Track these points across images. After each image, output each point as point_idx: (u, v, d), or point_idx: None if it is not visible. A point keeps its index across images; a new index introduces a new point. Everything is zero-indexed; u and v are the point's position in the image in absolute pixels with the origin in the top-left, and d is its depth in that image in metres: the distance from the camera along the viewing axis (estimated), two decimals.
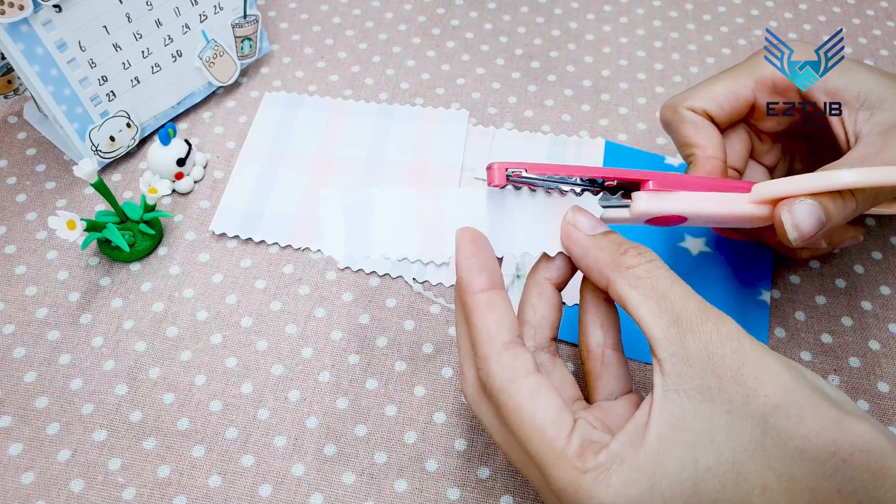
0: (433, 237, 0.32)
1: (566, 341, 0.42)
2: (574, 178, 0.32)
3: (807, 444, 0.25)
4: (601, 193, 0.33)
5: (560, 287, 0.33)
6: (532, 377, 0.28)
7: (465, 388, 0.31)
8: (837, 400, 0.26)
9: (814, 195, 0.33)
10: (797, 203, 0.33)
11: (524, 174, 0.31)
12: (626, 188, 0.33)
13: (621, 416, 0.30)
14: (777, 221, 0.34)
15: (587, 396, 0.33)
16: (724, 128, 0.40)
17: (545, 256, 0.33)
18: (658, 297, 0.28)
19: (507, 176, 0.31)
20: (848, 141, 0.37)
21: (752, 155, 0.42)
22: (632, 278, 0.29)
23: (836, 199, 0.34)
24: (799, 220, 0.33)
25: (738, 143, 0.41)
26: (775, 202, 0.34)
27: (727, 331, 0.27)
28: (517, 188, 0.32)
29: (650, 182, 0.33)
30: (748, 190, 0.35)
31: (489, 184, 0.31)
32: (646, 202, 0.33)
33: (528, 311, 0.33)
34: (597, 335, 0.33)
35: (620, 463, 0.26)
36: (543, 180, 0.32)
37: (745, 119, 0.41)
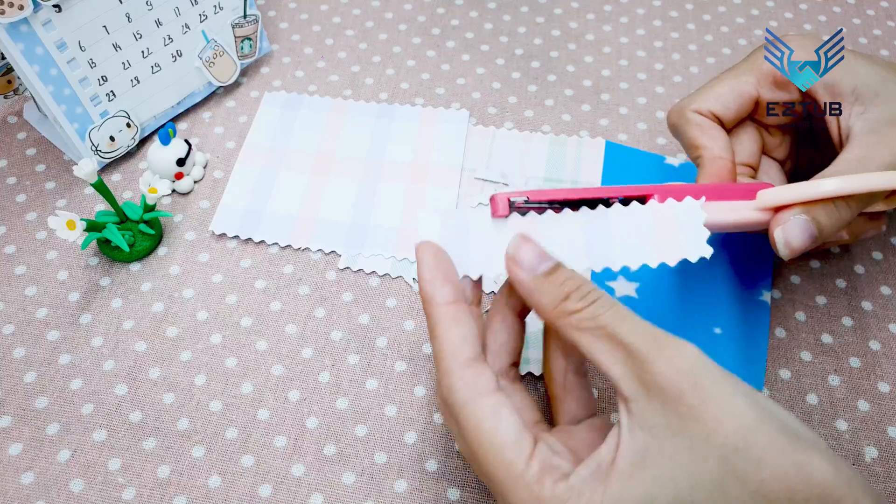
0: None
1: None
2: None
3: (765, 487, 0.24)
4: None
5: (522, 315, 0.33)
6: (493, 396, 0.28)
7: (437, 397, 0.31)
8: (802, 436, 0.26)
9: (807, 204, 0.34)
10: (790, 220, 0.34)
11: (527, 201, 0.31)
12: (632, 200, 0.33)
13: (584, 441, 0.30)
14: (771, 238, 0.35)
15: (551, 420, 0.33)
16: (732, 126, 0.40)
17: (508, 283, 0.33)
18: (607, 338, 0.27)
19: (510, 205, 0.31)
20: (841, 138, 0.37)
21: (764, 150, 0.42)
22: (577, 323, 0.28)
23: (829, 209, 0.34)
24: (790, 237, 0.34)
25: (749, 140, 0.41)
26: (779, 209, 0.35)
27: (684, 365, 0.26)
28: (539, 213, 0.32)
29: (655, 196, 0.32)
30: (754, 195, 0.35)
31: (493, 215, 0.32)
32: None
33: (490, 338, 0.33)
34: (559, 361, 0.33)
35: (578, 497, 0.26)
36: (549, 205, 0.32)
37: (751, 116, 0.41)
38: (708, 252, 0.30)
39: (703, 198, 0.32)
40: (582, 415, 0.32)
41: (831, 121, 0.38)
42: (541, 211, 0.32)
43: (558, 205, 0.32)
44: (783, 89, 0.39)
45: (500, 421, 0.28)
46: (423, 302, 0.31)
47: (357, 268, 0.45)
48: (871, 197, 0.35)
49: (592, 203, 0.32)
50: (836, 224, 0.34)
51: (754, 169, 0.41)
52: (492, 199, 0.32)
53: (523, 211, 0.32)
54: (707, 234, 0.31)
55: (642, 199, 0.32)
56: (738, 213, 0.35)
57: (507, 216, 0.32)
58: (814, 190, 0.34)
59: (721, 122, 0.39)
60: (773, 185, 0.37)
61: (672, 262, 0.31)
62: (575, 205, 0.32)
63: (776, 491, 0.24)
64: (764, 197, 0.35)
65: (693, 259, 0.31)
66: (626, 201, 0.33)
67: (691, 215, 0.31)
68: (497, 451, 0.27)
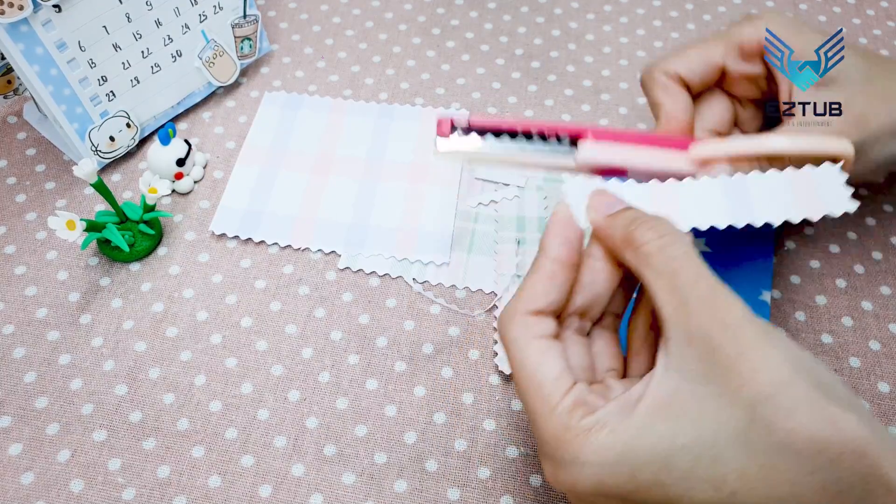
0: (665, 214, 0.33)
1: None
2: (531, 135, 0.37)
3: (792, 437, 0.24)
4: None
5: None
6: (545, 341, 0.30)
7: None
8: (841, 397, 0.26)
9: (739, 160, 0.36)
10: (716, 167, 0.36)
11: (468, 126, 0.36)
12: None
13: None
14: None
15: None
16: (699, 92, 0.41)
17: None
18: (668, 276, 0.28)
19: (451, 127, 0.35)
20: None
21: (736, 123, 0.43)
22: (642, 255, 0.29)
23: (762, 166, 0.35)
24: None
25: (719, 108, 0.42)
26: (710, 162, 0.36)
27: (732, 318, 0.26)
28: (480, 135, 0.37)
29: (590, 133, 0.36)
30: (686, 147, 0.37)
31: (437, 134, 0.36)
32: (590, 152, 0.36)
33: (582, 286, 0.33)
34: (643, 316, 0.33)
35: (601, 428, 0.27)
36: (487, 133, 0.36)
37: (722, 86, 0.42)
38: (851, 207, 0.32)
39: (842, 162, 0.34)
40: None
41: (782, 81, 0.39)
42: (482, 134, 0.37)
43: (495, 134, 0.36)
44: (749, 61, 0.40)
45: (545, 360, 0.29)
46: (539, 249, 0.32)
47: (357, 268, 0.45)
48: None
49: (528, 136, 0.37)
50: None
51: (722, 136, 0.42)
52: (438, 121, 0.35)
53: (466, 131, 0.36)
54: (849, 191, 0.32)
55: (576, 138, 0.36)
56: (668, 162, 0.37)
57: (448, 136, 0.36)
58: (760, 145, 0.35)
59: (688, 87, 0.41)
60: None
61: (815, 218, 0.32)
62: (513, 135, 0.37)
63: (804, 441, 0.24)
64: (698, 149, 0.37)
65: (836, 213, 0.32)
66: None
67: (832, 176, 0.33)
68: (537, 385, 0.29)
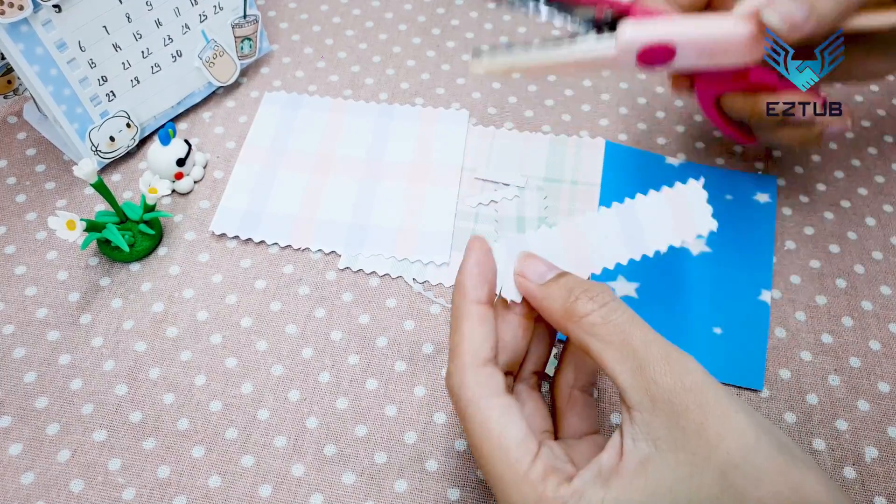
0: (578, 260, 0.33)
1: None
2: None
3: None
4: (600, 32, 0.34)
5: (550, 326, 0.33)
6: (504, 398, 0.28)
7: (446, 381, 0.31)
8: (798, 456, 0.26)
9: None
10: (766, 12, 0.33)
11: None
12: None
13: (584, 455, 0.30)
14: (764, 23, 0.34)
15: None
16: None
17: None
18: (618, 345, 0.27)
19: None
20: None
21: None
22: (587, 326, 0.28)
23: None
24: (784, 12, 0.33)
25: None
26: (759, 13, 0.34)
27: (691, 382, 0.26)
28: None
29: (633, 11, 0.33)
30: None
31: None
32: (632, 30, 0.33)
33: (512, 341, 0.33)
34: (568, 375, 0.33)
35: (580, 498, 0.26)
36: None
37: None
38: (713, 226, 0.32)
39: (703, 178, 0.33)
40: (583, 430, 0.32)
41: None
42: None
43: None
44: None
45: (508, 421, 0.28)
46: (455, 292, 0.31)
47: (357, 268, 0.45)
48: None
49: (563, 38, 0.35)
50: (829, 6, 0.33)
51: None
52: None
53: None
54: (710, 210, 0.33)
55: (616, 19, 0.34)
56: (718, 27, 0.35)
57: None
58: None
59: None
60: None
61: (690, 240, 0.33)
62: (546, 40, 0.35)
63: None
64: (745, 3, 0.34)
65: (703, 233, 0.32)
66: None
67: (697, 195, 0.33)
68: (503, 450, 0.27)
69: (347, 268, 0.45)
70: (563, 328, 0.29)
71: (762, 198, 0.47)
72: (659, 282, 0.44)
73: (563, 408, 0.33)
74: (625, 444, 0.27)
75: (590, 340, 0.28)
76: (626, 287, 0.44)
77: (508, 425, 0.28)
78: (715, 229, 0.33)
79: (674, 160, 0.49)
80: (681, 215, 0.33)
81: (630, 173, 0.49)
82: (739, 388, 0.40)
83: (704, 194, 0.33)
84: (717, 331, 0.42)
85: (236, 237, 0.46)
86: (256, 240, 0.46)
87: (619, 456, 0.27)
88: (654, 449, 0.26)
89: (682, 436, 0.26)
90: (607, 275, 0.44)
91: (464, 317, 0.30)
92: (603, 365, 0.28)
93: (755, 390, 0.40)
